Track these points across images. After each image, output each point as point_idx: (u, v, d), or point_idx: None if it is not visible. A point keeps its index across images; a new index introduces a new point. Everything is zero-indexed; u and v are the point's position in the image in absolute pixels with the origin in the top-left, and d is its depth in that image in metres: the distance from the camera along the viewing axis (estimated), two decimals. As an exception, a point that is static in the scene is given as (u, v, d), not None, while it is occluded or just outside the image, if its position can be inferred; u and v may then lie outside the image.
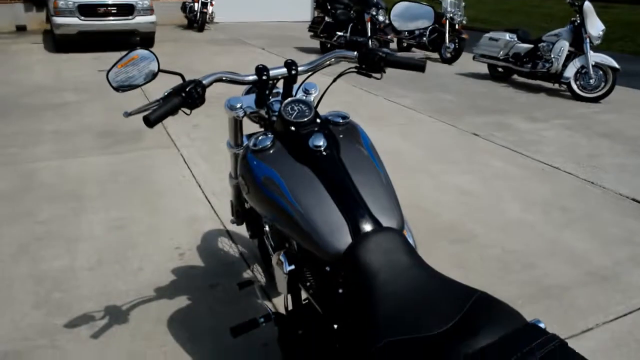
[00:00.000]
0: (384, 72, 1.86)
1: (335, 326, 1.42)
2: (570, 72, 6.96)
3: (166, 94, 1.55)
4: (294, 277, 1.58)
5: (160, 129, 5.08)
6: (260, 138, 1.60)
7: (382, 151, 1.65)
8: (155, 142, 4.72)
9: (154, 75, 1.63)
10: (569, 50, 7.07)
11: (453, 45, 9.48)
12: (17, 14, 11.98)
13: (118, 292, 2.55)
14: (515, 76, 8.05)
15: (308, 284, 1.60)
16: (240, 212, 2.38)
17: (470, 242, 3.12)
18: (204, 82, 1.61)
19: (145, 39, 10.14)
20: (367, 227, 1.38)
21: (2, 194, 3.57)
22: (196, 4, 12.69)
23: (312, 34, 10.22)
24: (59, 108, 5.77)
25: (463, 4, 9.66)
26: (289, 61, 1.80)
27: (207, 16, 12.74)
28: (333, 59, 1.89)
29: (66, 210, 3.35)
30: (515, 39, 7.75)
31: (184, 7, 13.49)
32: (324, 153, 1.52)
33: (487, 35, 8.13)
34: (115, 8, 9.41)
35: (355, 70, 1.89)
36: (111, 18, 9.46)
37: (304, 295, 1.66)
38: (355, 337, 1.26)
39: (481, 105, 6.51)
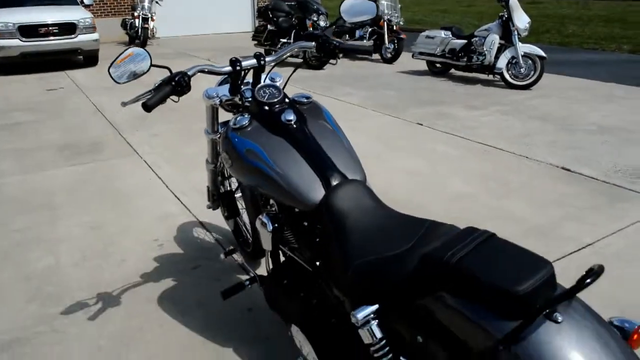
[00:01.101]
0: (339, 57, 2.17)
1: (318, 263, 1.70)
2: (502, 63, 7.50)
3: (157, 84, 1.80)
4: (276, 237, 1.85)
5: (120, 139, 5.23)
6: (238, 118, 1.88)
7: None
8: (117, 152, 4.86)
9: (147, 69, 1.87)
10: (499, 43, 7.61)
11: (392, 45, 9.95)
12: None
13: (106, 281, 2.74)
14: (452, 70, 8.57)
15: (288, 240, 1.88)
16: (216, 196, 2.63)
17: (419, 211, 3.46)
18: (189, 73, 1.87)
19: (89, 57, 10.12)
20: (336, 180, 1.67)
21: (-27, 208, 3.67)
22: (137, 20, 12.66)
23: (255, 42, 10.47)
24: (14, 127, 5.80)
25: (399, 6, 10.15)
26: (258, 53, 2.08)
27: (149, 32, 12.75)
28: (295, 49, 2.19)
29: (40, 218, 3.48)
30: (450, 36, 8.26)
31: (124, 24, 13.42)
32: (294, 125, 1.81)
33: (424, 33, 8.61)
34: (56, 28, 9.38)
35: (315, 58, 2.20)
36: (53, 38, 9.41)
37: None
38: (333, 266, 1.55)
39: (423, 98, 6.94)
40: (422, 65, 9.10)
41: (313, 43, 2.18)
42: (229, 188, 2.66)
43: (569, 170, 4.25)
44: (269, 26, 10.14)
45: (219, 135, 2.29)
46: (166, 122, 5.71)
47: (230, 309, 2.46)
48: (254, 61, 2.06)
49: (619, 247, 3.04)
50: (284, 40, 9.80)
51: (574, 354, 1.05)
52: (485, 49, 7.65)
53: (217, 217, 3.25)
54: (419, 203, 3.62)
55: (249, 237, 2.78)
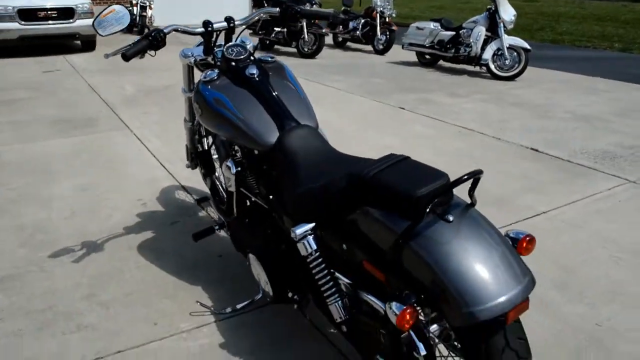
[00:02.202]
0: (301, 22, 2.41)
1: (271, 197, 1.93)
2: (488, 54, 7.72)
3: (136, 40, 2.02)
4: (239, 180, 2.09)
5: (113, 116, 5.45)
6: (208, 72, 2.12)
7: (320, 125, 2.14)
8: (110, 126, 5.09)
9: (127, 24, 2.10)
10: (486, 35, 7.83)
11: (384, 37, 10.17)
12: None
13: (92, 232, 2.97)
14: (441, 62, 8.79)
15: (250, 185, 2.11)
16: (194, 155, 2.86)
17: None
18: (164, 30, 2.10)
19: (87, 42, 10.33)
20: (289, 124, 1.91)
21: (-29, 171, 3.90)
22: (135, 8, 12.86)
23: (250, 31, 10.69)
24: (11, 103, 6.02)
25: (392, -2, 10.37)
26: (228, 17, 2.31)
27: (147, 20, 12.95)
28: (262, 14, 2.42)
29: (36, 180, 3.71)
30: (439, 27, 8.48)
31: (123, 12, 13.61)
32: (257, 79, 2.05)
33: (414, 24, 8.84)
34: (55, 12, 9.59)
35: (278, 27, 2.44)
36: (52, 22, 9.62)
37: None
38: (283, 197, 1.79)
39: (409, 86, 7.17)
40: (412, 56, 9.32)
41: (277, 9, 2.41)
42: (206, 147, 2.89)
43: (537, 150, 4.49)
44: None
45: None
46: (156, 104, 5.94)
47: (202, 255, 2.70)
48: (224, 24, 2.28)
49: (569, 215, 3.28)
50: (278, 29, 10.01)
51: (460, 246, 1.28)
52: (472, 41, 7.87)
53: (198, 182, 3.48)
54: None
55: (224, 195, 3.01)
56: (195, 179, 3.61)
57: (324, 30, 9.67)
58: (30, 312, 2.26)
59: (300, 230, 1.60)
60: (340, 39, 11.29)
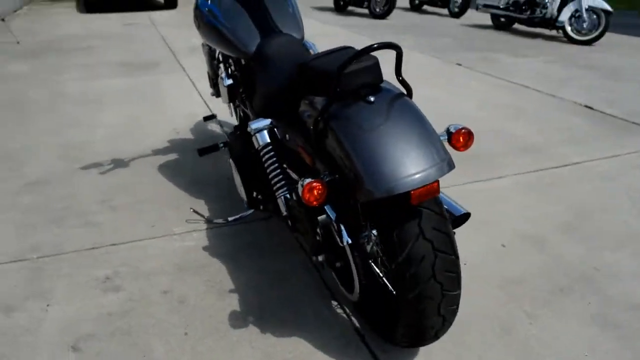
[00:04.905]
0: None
1: (252, 102, 2.00)
2: (564, 16, 7.26)
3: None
4: (232, 92, 2.17)
5: (174, 60, 5.71)
6: None
7: None
8: (167, 69, 5.35)
9: None
10: (564, -5, 7.35)
11: (460, -1, 9.81)
12: (52, -18, 12.76)
13: (124, 151, 3.19)
14: (517, 25, 8.37)
15: (242, 97, 2.18)
16: (215, 81, 2.96)
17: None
18: None
19: (170, 1, 10.77)
20: (271, 32, 1.95)
21: (39, 101, 4.26)
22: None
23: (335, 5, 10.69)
24: (86, 49, 6.46)
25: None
26: None
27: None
28: None
29: (87, 110, 4.01)
30: (516, -12, 8.05)
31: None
32: None
33: (489, -15, 8.44)
34: (141, -31, 10.07)
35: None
36: (137, -21, 10.12)
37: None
38: (254, 98, 1.85)
39: (473, 46, 6.92)
40: (487, 20, 8.95)
41: None
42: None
43: (591, 108, 4.22)
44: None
45: None
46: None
47: (213, 176, 2.83)
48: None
49: (604, 168, 3.09)
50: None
51: (374, 125, 1.28)
52: (547, 1, 7.42)
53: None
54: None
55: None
56: (229, 114, 3.74)
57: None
58: (48, 210, 2.49)
59: (255, 125, 1.66)
60: (416, 2, 11.02)
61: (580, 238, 2.32)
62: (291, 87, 1.64)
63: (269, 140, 1.66)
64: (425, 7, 11.01)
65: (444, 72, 5.37)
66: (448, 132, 1.39)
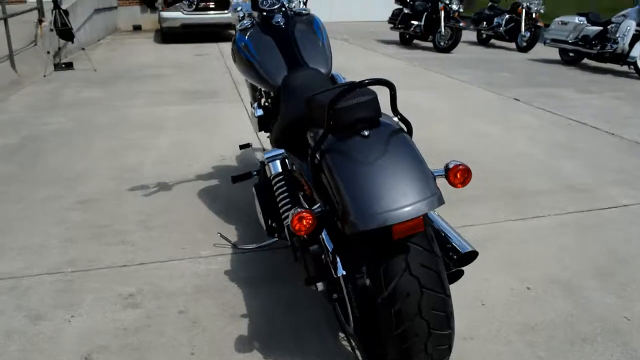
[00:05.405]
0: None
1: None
2: (636, 51, 6.97)
3: None
4: (262, 120, 2.26)
5: (234, 91, 5.96)
6: (243, 22, 2.32)
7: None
8: (226, 99, 5.59)
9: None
10: (636, 30, 7.07)
11: (529, 33, 9.61)
12: (134, 16, 13.67)
13: (170, 176, 3.35)
14: (586, 60, 8.10)
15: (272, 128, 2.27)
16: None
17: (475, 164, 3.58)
18: None
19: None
20: (298, 66, 2.03)
21: (105, 125, 4.57)
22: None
23: (391, 25, 10.80)
24: (157, 77, 6.86)
25: (542, -7, 9.75)
26: None
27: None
28: None
29: (145, 134, 4.26)
30: (585, 22, 7.82)
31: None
32: (282, 27, 2.19)
33: (558, 19, 8.25)
34: (213, 2, 10.63)
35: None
36: (210, 12, 10.69)
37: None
38: (275, 129, 1.92)
39: (536, 81, 6.75)
40: (556, 54, 8.71)
41: None
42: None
43: (652, 148, 4.01)
44: (404, 9, 10.41)
45: None
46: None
47: (247, 202, 2.91)
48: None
49: (656, 211, 2.92)
50: (416, 23, 10.00)
51: (366, 159, 1.31)
52: (618, 35, 7.15)
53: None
54: (472, 157, 3.72)
55: None
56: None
57: (461, 24, 9.42)
58: (91, 226, 2.66)
59: (268, 154, 1.72)
60: (484, 36, 10.91)
61: (615, 285, 2.21)
62: (303, 120, 1.70)
63: (280, 170, 1.72)
64: (492, 41, 10.88)
65: (500, 107, 5.27)
66: (446, 168, 1.39)
